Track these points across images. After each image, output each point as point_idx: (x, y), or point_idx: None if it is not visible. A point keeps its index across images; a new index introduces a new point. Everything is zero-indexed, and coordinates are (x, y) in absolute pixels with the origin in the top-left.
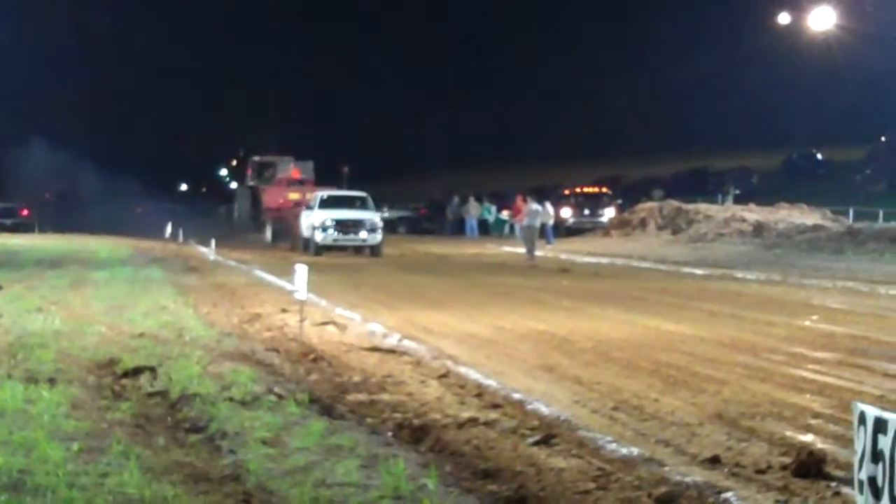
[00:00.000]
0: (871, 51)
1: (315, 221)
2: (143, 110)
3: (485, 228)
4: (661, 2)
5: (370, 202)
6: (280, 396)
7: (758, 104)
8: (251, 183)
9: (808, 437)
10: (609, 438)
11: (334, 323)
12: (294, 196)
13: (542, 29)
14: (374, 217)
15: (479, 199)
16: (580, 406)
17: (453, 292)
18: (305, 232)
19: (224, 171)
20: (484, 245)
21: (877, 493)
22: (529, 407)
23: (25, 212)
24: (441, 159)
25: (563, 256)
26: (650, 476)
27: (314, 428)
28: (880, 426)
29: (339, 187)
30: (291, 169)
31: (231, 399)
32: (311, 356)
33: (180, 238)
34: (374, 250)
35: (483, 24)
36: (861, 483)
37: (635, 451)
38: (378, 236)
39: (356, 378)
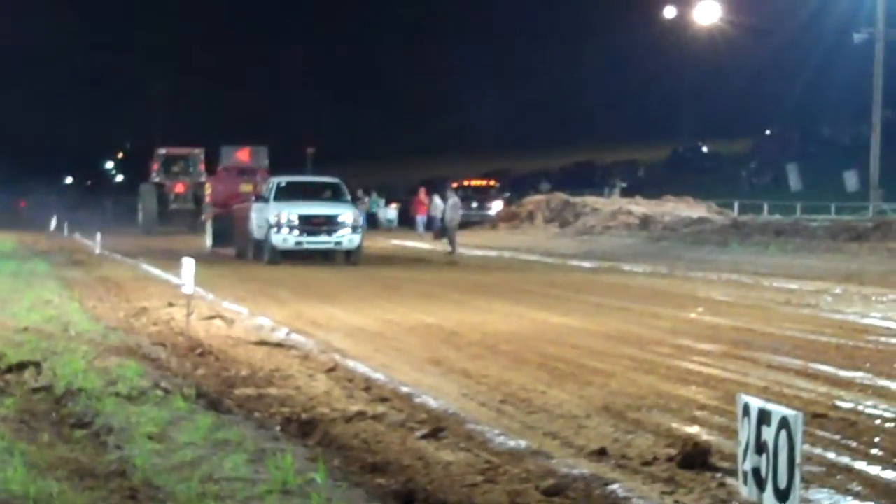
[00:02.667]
0: (756, 44)
1: (271, 218)
2: (27, 102)
3: (373, 222)
4: None
5: (344, 191)
6: (167, 391)
7: (644, 98)
8: (157, 179)
9: (693, 429)
10: (497, 431)
11: (221, 317)
12: (246, 188)
13: (430, 25)
14: (350, 211)
15: (367, 193)
16: (468, 399)
17: (342, 286)
18: (257, 233)
19: (110, 164)
20: (373, 238)
21: (760, 484)
22: (417, 400)
23: None
24: (325, 152)
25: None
26: (537, 468)
27: (201, 423)
28: (764, 417)
29: (303, 174)
30: (239, 154)
31: (117, 394)
32: (198, 350)
33: (65, 231)
34: (352, 256)
35: (368, 18)
36: (745, 474)
37: (523, 443)
38: (357, 238)
39: (244, 372)
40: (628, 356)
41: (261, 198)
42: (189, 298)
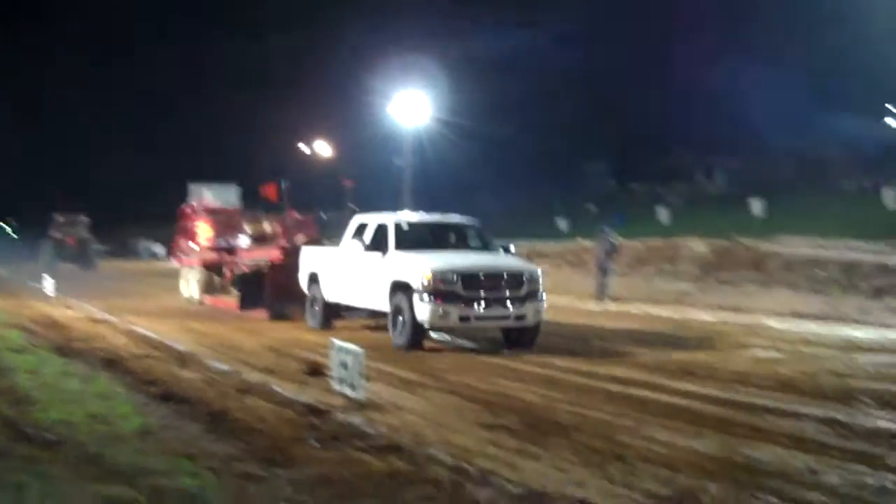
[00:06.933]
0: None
1: (411, 279)
2: None
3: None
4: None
5: (488, 236)
6: (36, 347)
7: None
8: (57, 235)
9: (316, 357)
10: (216, 361)
11: (69, 306)
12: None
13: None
14: (532, 267)
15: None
16: (201, 346)
17: (137, 288)
18: (333, 295)
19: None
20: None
21: (343, 384)
22: (175, 347)
23: None
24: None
25: None
26: (235, 380)
27: (56, 363)
28: (343, 350)
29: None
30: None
31: (9, 349)
32: (55, 325)
33: None
34: (529, 335)
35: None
36: (337, 378)
37: (228, 367)
38: (543, 306)
39: (80, 336)
40: (283, 325)
41: (370, 245)
42: (51, 298)
